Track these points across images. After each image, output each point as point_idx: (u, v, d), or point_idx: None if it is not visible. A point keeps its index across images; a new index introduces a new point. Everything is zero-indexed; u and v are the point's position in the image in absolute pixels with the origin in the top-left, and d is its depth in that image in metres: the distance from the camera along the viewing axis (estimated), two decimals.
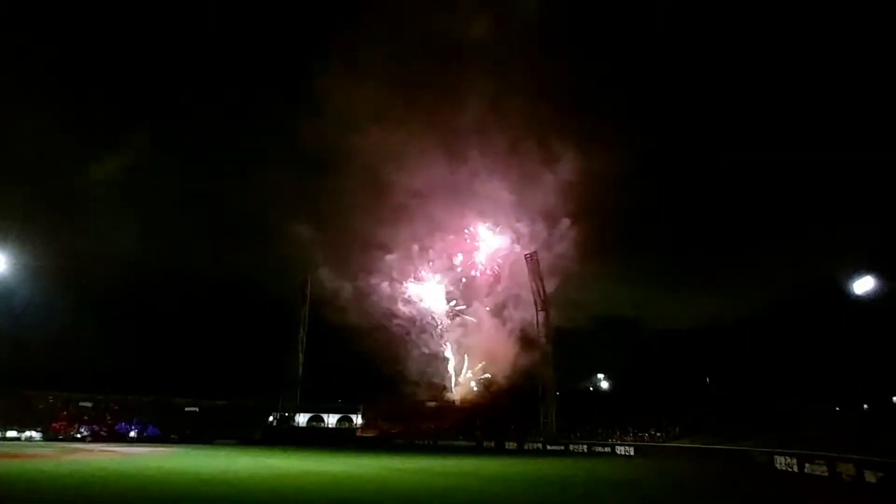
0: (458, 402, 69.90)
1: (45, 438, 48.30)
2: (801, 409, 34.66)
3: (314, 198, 72.04)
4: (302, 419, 63.36)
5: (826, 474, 24.10)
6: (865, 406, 36.09)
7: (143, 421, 54.55)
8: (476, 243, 72.52)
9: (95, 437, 50.15)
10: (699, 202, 62.47)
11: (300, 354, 63.03)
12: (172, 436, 52.31)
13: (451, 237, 72.18)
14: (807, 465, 25.70)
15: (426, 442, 54.18)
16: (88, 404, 56.44)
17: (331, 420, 64.90)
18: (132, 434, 52.21)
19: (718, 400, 44.00)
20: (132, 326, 62.54)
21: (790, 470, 26.79)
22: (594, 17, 63.61)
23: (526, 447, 49.20)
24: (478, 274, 72.92)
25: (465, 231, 72.22)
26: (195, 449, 41.54)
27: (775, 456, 28.37)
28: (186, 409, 59.69)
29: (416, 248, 71.95)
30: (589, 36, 62.61)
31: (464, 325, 72.39)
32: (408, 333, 71.01)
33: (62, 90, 58.78)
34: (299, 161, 72.97)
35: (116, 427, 53.35)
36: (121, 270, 62.35)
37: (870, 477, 20.88)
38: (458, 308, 72.93)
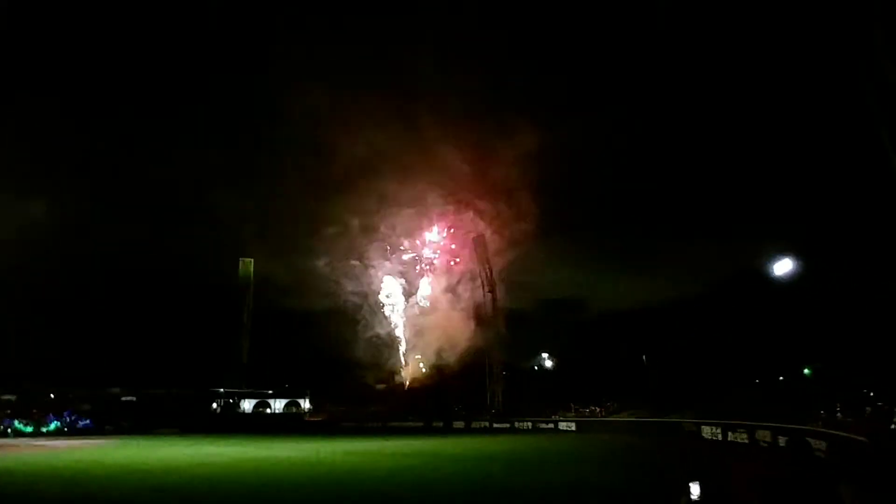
0: (407, 383, 70.35)
1: None
2: (725, 382, 37.44)
3: (252, 172, 68.02)
4: (248, 405, 61.92)
5: (746, 441, 26.29)
6: (781, 378, 39.37)
7: (74, 412, 51.81)
8: (429, 220, 71.14)
9: (19, 432, 47.25)
10: (642, 187, 64.24)
11: (244, 339, 61.28)
12: (107, 426, 50.10)
13: (404, 211, 69.80)
14: (730, 433, 27.98)
15: (376, 424, 54.40)
16: (12, 397, 52.89)
17: (278, 405, 63.74)
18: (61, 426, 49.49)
19: (653, 377, 46.67)
20: (61, 316, 58.38)
21: (715, 438, 29.03)
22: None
23: (473, 426, 50.43)
24: (429, 252, 72.31)
25: (418, 206, 69.94)
26: (132, 439, 39.82)
27: (702, 426, 30.65)
28: (123, 398, 56.98)
29: (364, 224, 69.19)
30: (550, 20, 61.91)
31: (414, 305, 72.18)
32: (357, 315, 69.89)
33: None
34: (234, 131, 68.41)
35: (45, 419, 50.41)
36: (44, 257, 57.52)
37: (782, 442, 22.93)
38: (408, 288, 72.56)
